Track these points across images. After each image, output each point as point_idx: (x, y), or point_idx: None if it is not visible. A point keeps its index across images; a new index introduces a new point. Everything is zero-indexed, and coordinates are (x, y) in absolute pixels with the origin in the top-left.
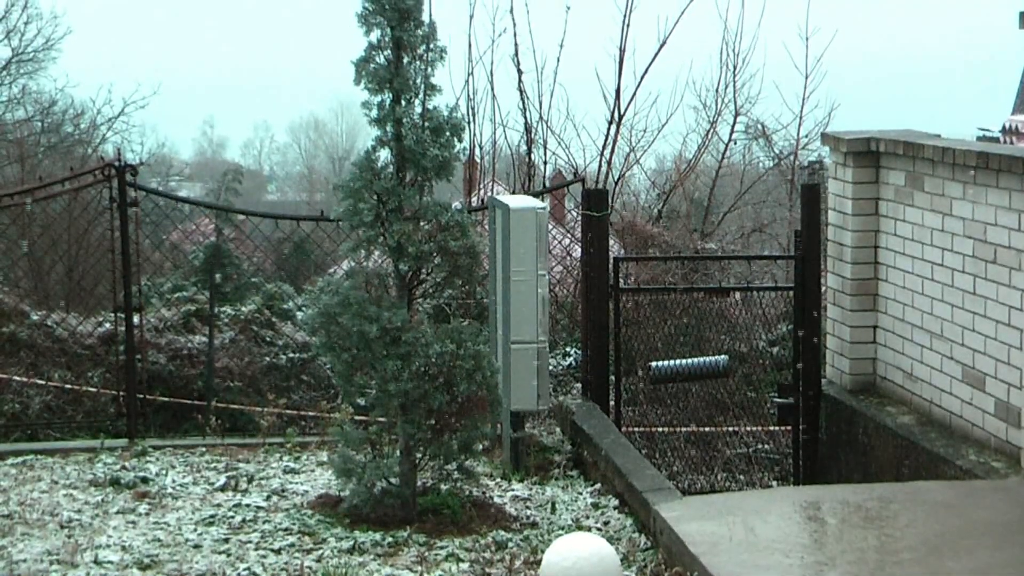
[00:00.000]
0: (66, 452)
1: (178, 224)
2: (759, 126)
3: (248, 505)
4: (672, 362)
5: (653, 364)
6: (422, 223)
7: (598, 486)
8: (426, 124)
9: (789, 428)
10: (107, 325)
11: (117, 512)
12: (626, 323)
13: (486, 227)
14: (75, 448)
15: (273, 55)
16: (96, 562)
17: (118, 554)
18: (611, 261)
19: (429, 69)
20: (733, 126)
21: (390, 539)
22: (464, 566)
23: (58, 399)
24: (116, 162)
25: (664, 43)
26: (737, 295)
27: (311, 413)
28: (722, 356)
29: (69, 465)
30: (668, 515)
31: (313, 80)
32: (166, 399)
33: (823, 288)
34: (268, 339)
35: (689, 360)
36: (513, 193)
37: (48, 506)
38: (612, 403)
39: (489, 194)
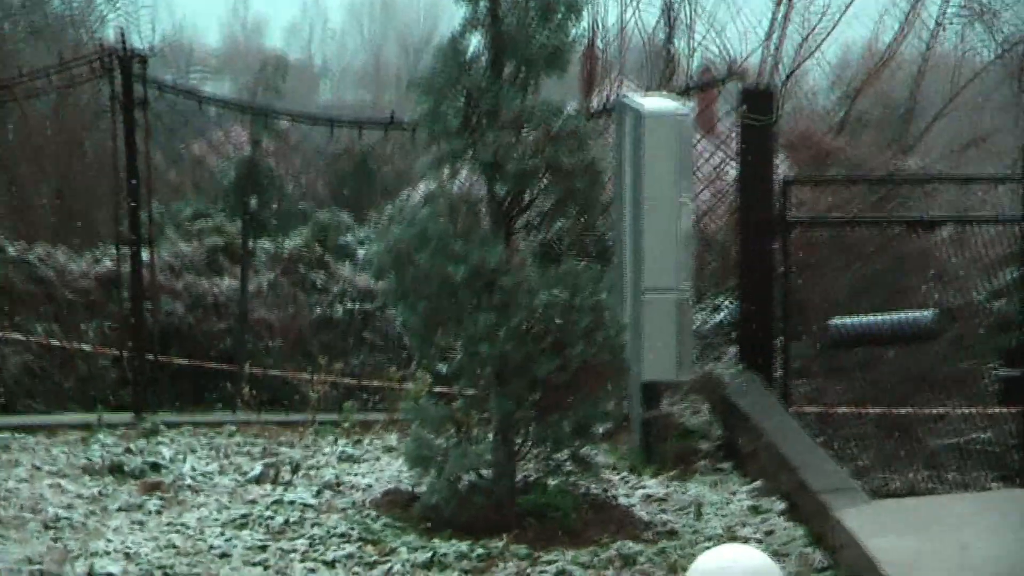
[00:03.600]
0: (52, 429)
1: (201, 132)
2: (978, 4)
3: (292, 502)
4: (858, 319)
5: (833, 322)
6: (525, 131)
7: (758, 483)
8: (531, 1)
9: (1016, 410)
10: (107, 263)
11: (119, 509)
12: (797, 267)
13: (610, 138)
14: (64, 424)
15: None
16: (91, 574)
17: (120, 564)
18: (778, 184)
19: None
20: (944, 4)
21: (480, 550)
22: None
23: (42, 360)
24: (119, 49)
25: None
26: (946, 230)
27: (375, 383)
28: (926, 312)
29: (56, 447)
30: (853, 524)
31: None
32: (184, 362)
33: None
34: (319, 284)
35: (881, 317)
36: (647, 93)
37: (28, 500)
38: (778, 374)
39: (616, 95)
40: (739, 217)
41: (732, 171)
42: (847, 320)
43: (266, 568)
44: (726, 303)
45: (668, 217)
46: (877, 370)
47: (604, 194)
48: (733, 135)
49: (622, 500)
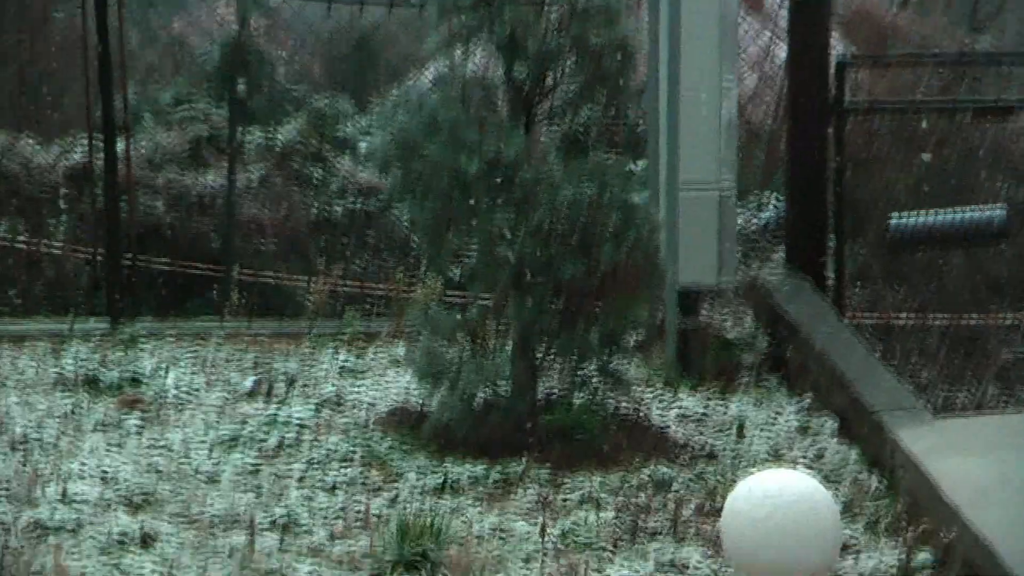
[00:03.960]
0: (19, 339)
1: (182, 7)
2: None
3: (288, 421)
4: (922, 217)
5: (894, 220)
6: (548, 6)
7: (808, 400)
8: None
9: None
10: (77, 155)
11: (95, 427)
12: (853, 160)
13: (644, 13)
14: (32, 333)
15: None
16: (63, 499)
17: (96, 488)
18: (832, 66)
19: None
20: None
21: (497, 474)
22: (607, 515)
23: (6, 262)
24: None
25: None
26: (1022, 117)
27: (379, 289)
28: (997, 209)
29: (24, 358)
30: (914, 446)
31: None
32: (165, 264)
33: None
34: (316, 180)
35: (947, 215)
36: None
37: None
38: (830, 279)
39: None
40: (788, 104)
41: (781, 52)
42: (909, 218)
43: (259, 493)
44: (773, 200)
45: (709, 103)
46: (942, 274)
47: (636, 77)
48: (782, 12)
49: (655, 419)
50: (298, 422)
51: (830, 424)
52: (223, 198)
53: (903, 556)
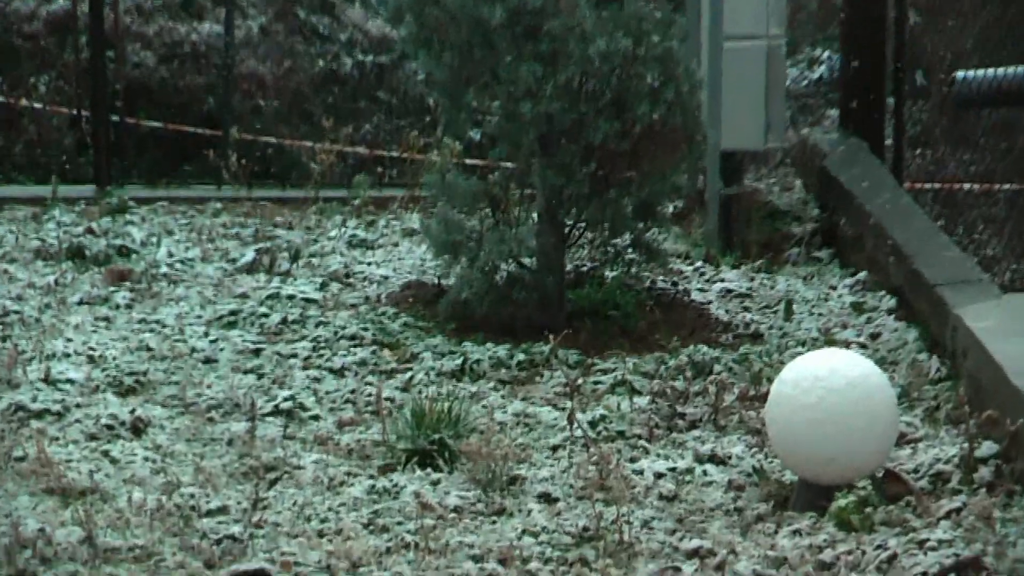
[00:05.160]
0: None
1: None
2: None
3: (292, 297)
4: (992, 72)
5: (960, 75)
6: None
7: (862, 275)
8: None
9: None
10: (60, 2)
11: (80, 302)
12: (916, 9)
13: None
14: (11, 198)
15: None
16: (47, 380)
17: (81, 369)
18: None
19: None
20: None
21: (521, 356)
22: (641, 401)
23: None
24: None
25: None
26: None
27: (392, 153)
28: None
29: (2, 225)
30: (977, 325)
31: None
32: (157, 124)
33: None
34: (322, 31)
35: (1020, 70)
36: None
37: None
38: (889, 141)
39: None
40: None
41: None
42: (977, 74)
43: (260, 376)
44: (827, 55)
45: None
46: (1013, 137)
47: None
48: None
49: (695, 296)
50: (303, 298)
51: (887, 301)
52: (220, 51)
53: (965, 446)
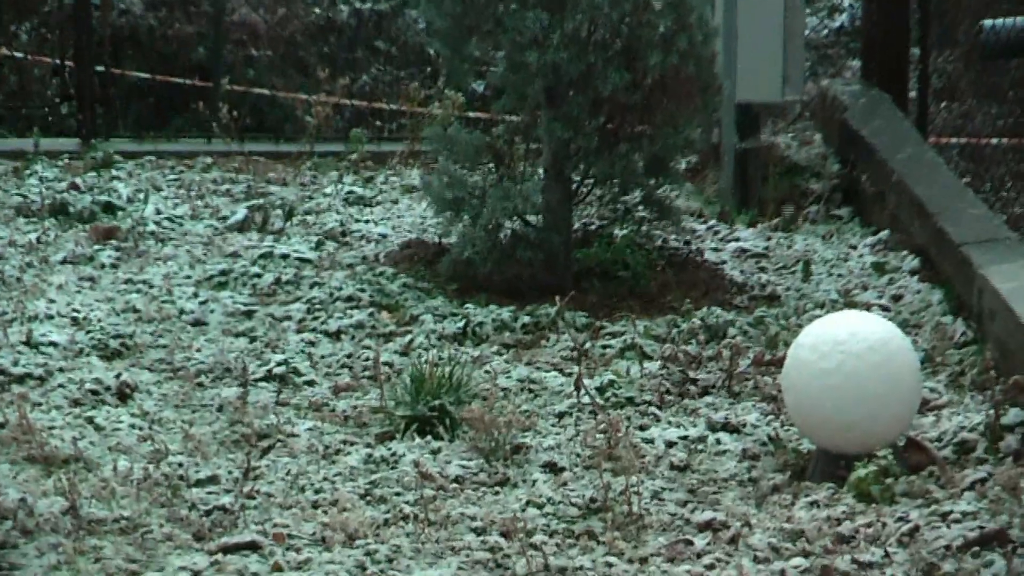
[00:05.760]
0: None
1: None
2: None
3: (285, 256)
4: (1021, 20)
5: (987, 23)
6: None
7: (884, 234)
8: None
9: None
10: None
11: (64, 261)
12: None
13: None
14: None
15: None
16: (28, 343)
17: (65, 331)
18: None
19: None
20: None
21: (526, 318)
22: (652, 366)
23: None
24: None
25: None
26: None
27: (391, 105)
28: None
29: None
30: (1005, 286)
31: None
32: (144, 75)
33: None
34: None
35: None
36: None
37: None
38: (913, 94)
39: None
40: None
41: None
42: (1007, 22)
43: (252, 339)
44: (848, 2)
45: None
46: None
47: None
48: None
49: (709, 256)
50: (297, 258)
51: (909, 261)
52: None
53: (991, 413)
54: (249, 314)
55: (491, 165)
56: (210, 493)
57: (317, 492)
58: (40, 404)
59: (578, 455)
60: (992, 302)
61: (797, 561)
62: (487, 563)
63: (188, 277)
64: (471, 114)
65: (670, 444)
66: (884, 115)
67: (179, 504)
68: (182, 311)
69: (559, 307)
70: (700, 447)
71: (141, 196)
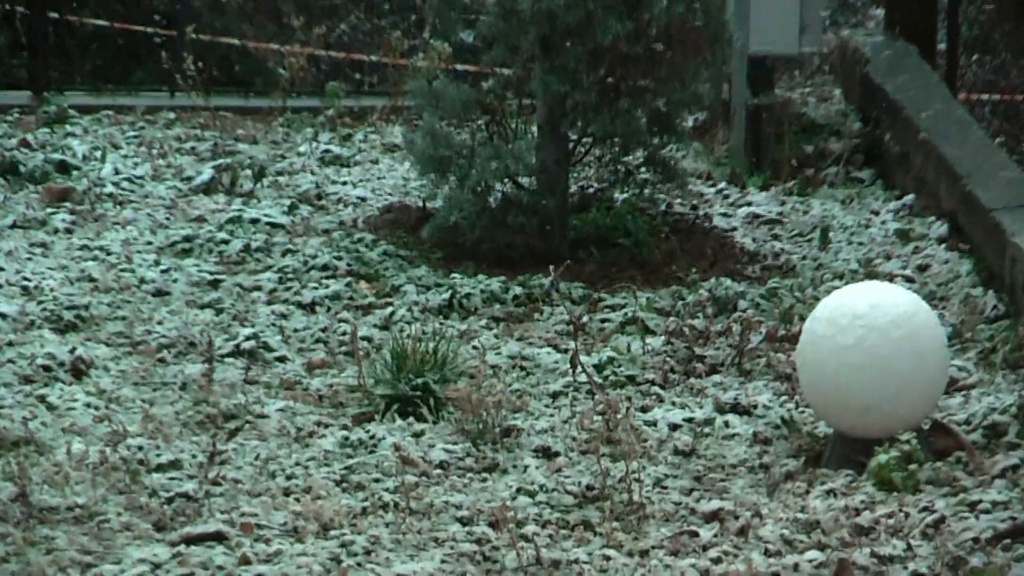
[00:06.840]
0: None
1: None
2: None
3: (255, 221)
4: None
5: None
6: None
7: (909, 199)
8: None
9: None
10: None
11: (14, 225)
12: None
13: None
14: None
15: None
16: None
17: (15, 302)
18: None
19: None
20: None
21: (517, 289)
22: (655, 342)
23: None
24: None
25: None
26: None
27: (372, 57)
28: None
29: None
30: None
31: None
32: (102, 22)
33: None
34: None
35: None
36: None
37: None
38: (941, 46)
39: None
40: None
41: None
42: None
43: (219, 311)
44: None
45: None
46: None
47: None
48: None
49: (718, 222)
50: (268, 223)
51: (936, 228)
52: None
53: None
54: (215, 284)
55: (480, 122)
56: (172, 479)
57: (288, 478)
58: None
59: (573, 439)
60: None
61: (812, 555)
62: (473, 556)
63: (149, 243)
64: (459, 66)
65: (674, 427)
66: (910, 69)
67: (138, 491)
68: (142, 280)
69: (554, 277)
70: (707, 430)
71: (98, 154)
